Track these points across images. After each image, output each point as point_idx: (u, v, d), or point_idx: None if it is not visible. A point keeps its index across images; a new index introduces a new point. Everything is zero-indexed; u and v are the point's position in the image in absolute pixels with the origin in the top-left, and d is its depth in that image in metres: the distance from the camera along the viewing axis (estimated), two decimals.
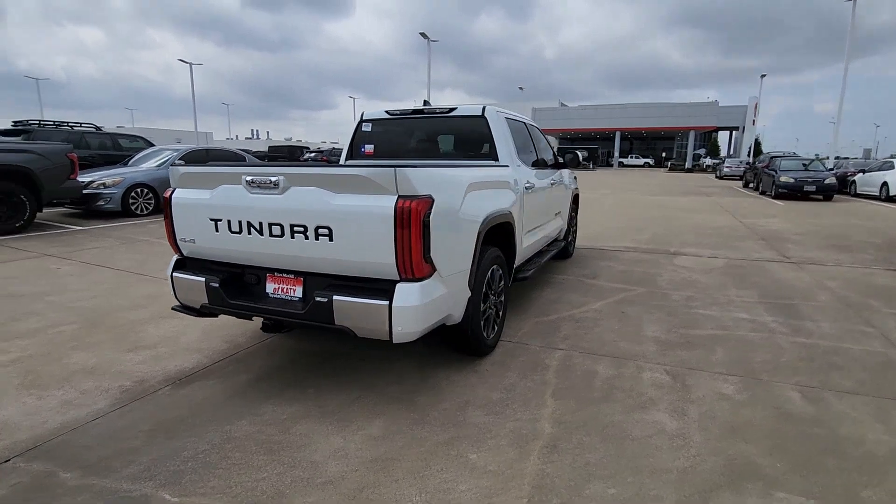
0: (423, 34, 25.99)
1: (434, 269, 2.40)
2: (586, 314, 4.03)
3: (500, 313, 3.38)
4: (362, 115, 4.22)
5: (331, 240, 2.37)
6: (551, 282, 5.04)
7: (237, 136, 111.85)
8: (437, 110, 3.92)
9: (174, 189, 2.82)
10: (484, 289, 3.02)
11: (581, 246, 6.98)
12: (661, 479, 1.97)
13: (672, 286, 4.87)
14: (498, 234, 3.35)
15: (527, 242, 4.03)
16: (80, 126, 10.98)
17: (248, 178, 2.48)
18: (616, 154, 54.05)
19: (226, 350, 3.27)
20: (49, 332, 3.55)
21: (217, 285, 2.65)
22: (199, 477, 2.01)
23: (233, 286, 2.70)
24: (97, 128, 11.24)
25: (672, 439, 2.24)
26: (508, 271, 3.59)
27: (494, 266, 3.17)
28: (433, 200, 2.33)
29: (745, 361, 3.09)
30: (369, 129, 4.20)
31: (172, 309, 2.95)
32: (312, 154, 25.06)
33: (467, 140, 3.85)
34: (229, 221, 2.59)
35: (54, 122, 10.72)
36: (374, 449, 2.19)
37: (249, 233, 2.55)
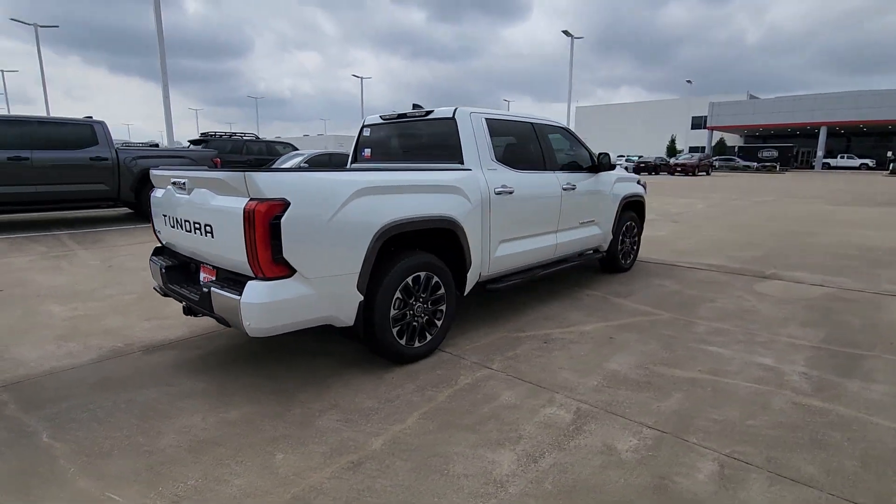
0: (565, 32, 25.05)
1: (292, 270, 2.47)
2: (566, 335, 3.59)
3: (439, 322, 3.25)
4: (364, 121, 4.41)
5: (213, 237, 2.61)
6: (569, 296, 4.58)
7: None
8: (418, 114, 3.90)
9: (154, 188, 3.39)
10: (398, 295, 2.96)
11: (655, 259, 6.12)
12: None
13: (713, 315, 4.01)
14: (434, 239, 3.24)
15: (507, 251, 3.77)
16: (244, 136, 13.42)
17: (173, 181, 2.88)
18: (819, 153, 44.68)
19: (208, 328, 3.78)
20: (114, 299, 4.53)
21: (164, 271, 3.12)
22: (80, 427, 2.43)
23: (176, 273, 3.14)
24: (256, 137, 13.62)
25: (485, 485, 1.95)
26: (459, 279, 3.43)
27: (421, 273, 3.08)
28: (288, 204, 2.40)
29: (692, 416, 2.45)
30: (368, 133, 4.38)
31: (153, 289, 3.54)
32: None
33: (440, 142, 3.75)
34: (168, 217, 3.03)
35: (227, 133, 13.31)
36: (214, 431, 2.37)
37: (176, 227, 2.95)
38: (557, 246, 4.34)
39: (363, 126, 4.40)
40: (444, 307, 3.28)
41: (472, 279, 3.52)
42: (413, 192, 3.03)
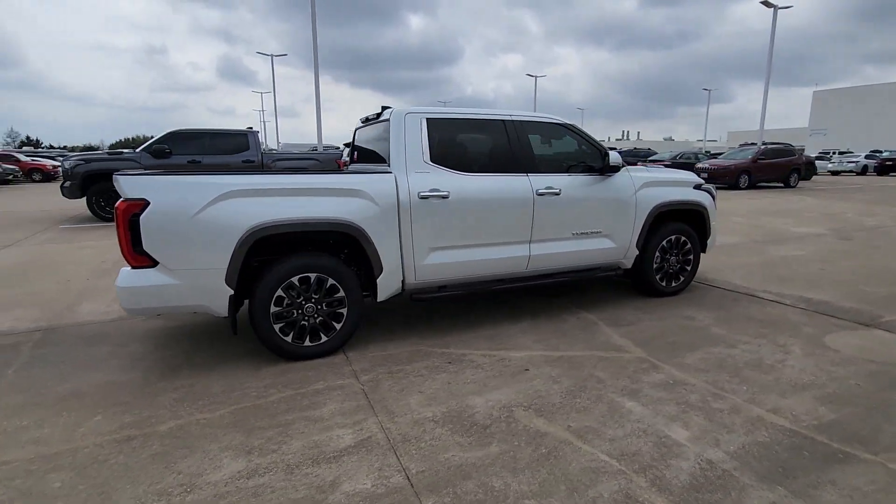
0: (765, 2, 20.31)
1: (154, 262, 2.81)
2: (481, 359, 3.20)
3: (338, 324, 3.25)
4: (357, 125, 4.56)
5: None
6: (552, 315, 4.00)
7: (609, 138, 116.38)
8: (375, 116, 3.89)
9: None
10: (280, 293, 3.08)
11: (737, 284, 4.84)
12: None
13: (698, 364, 3.07)
14: (336, 242, 3.25)
15: (444, 260, 3.53)
16: None
17: None
18: None
19: None
20: None
21: None
22: (37, 367, 3.16)
23: None
24: None
25: (181, 486, 1.97)
26: (366, 283, 3.37)
27: (311, 274, 3.13)
28: (147, 203, 2.75)
29: (469, 475, 2.00)
30: (357, 136, 4.52)
31: None
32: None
33: (384, 144, 3.67)
34: None
35: None
36: (93, 389, 2.85)
37: None
38: (531, 259, 3.83)
39: (355, 129, 4.57)
40: (343, 310, 3.27)
41: (387, 286, 3.40)
42: (299, 195, 3.09)
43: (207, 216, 2.87)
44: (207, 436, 2.35)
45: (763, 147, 17.52)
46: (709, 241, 4.72)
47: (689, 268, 4.62)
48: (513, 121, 3.86)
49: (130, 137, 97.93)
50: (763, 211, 10.89)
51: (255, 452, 2.20)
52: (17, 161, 23.42)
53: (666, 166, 19.26)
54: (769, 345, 3.36)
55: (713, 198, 4.69)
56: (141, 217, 2.74)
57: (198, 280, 2.91)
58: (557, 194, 3.83)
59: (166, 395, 2.77)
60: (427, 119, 3.56)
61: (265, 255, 3.18)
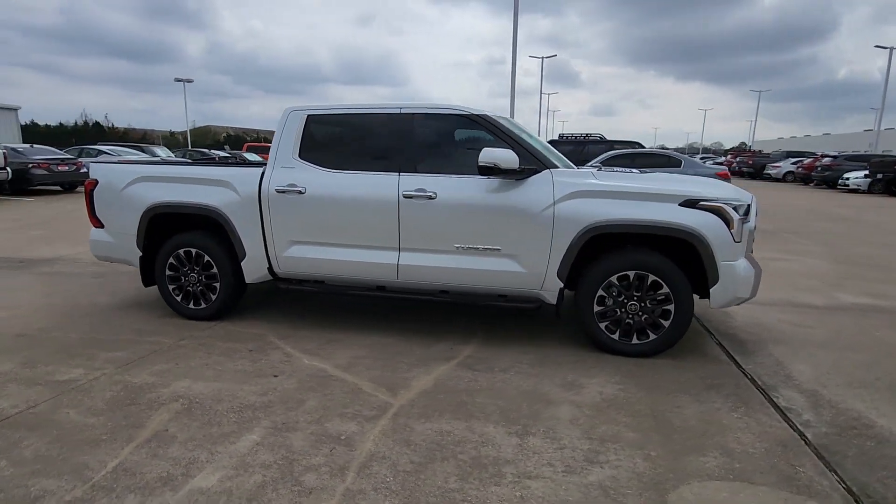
0: None
1: (102, 224, 3.96)
2: (274, 358, 3.20)
3: (215, 295, 3.79)
4: None
5: None
6: (427, 339, 3.48)
7: None
8: None
9: None
10: (171, 261, 3.83)
11: (780, 373, 3.06)
12: None
13: (423, 440, 2.27)
14: (213, 225, 3.76)
15: (305, 255, 3.60)
16: (590, 137, 13.62)
17: None
18: None
19: None
20: None
21: None
22: (92, 285, 4.90)
23: None
24: (601, 137, 13.49)
25: None
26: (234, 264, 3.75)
27: (192, 249, 3.77)
28: (97, 182, 3.89)
29: (43, 428, 2.26)
30: None
31: None
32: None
33: None
34: None
35: (579, 134, 13.95)
36: (83, 300, 4.27)
37: None
38: (401, 268, 3.43)
39: None
40: (217, 284, 3.77)
41: (253, 270, 3.70)
42: (184, 183, 3.73)
43: (127, 194, 3.84)
44: (45, 346, 3.30)
45: None
46: (713, 290, 3.03)
47: (665, 322, 3.11)
48: (401, 114, 3.48)
49: None
50: None
51: (28, 366, 3.02)
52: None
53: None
54: (570, 453, 2.13)
55: (726, 223, 2.97)
56: (93, 192, 3.92)
57: (122, 241, 3.94)
58: (431, 198, 3.28)
59: (90, 318, 3.90)
60: (308, 115, 3.63)
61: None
